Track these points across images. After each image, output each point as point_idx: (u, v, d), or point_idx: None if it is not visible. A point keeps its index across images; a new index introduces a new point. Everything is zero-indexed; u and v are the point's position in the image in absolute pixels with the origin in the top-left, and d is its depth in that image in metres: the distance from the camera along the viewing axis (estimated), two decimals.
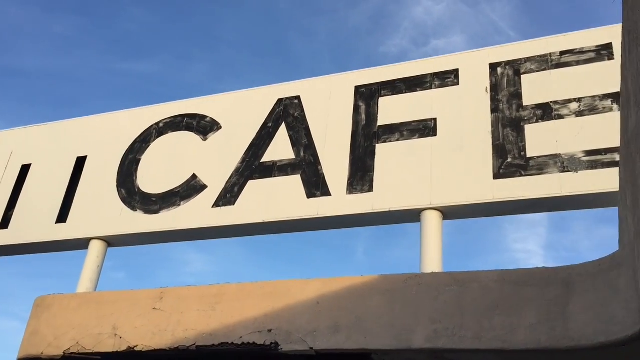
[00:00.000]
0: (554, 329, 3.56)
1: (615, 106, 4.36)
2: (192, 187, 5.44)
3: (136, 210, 5.54)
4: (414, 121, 4.94)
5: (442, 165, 4.66)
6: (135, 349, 4.43)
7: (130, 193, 5.68)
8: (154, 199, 5.53)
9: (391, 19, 18.49)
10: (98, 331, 4.61)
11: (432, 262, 4.38)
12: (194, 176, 5.49)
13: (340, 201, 4.82)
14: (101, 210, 5.68)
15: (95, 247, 5.53)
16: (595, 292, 3.51)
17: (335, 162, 5.02)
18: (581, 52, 4.67)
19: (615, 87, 4.43)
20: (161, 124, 5.96)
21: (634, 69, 2.23)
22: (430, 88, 5.04)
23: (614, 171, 4.16)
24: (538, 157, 4.41)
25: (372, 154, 4.93)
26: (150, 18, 19.99)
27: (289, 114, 5.44)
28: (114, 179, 5.83)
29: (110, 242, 5.59)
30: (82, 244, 5.64)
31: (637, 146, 2.48)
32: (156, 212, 5.44)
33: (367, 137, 5.03)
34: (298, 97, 5.49)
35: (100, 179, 5.89)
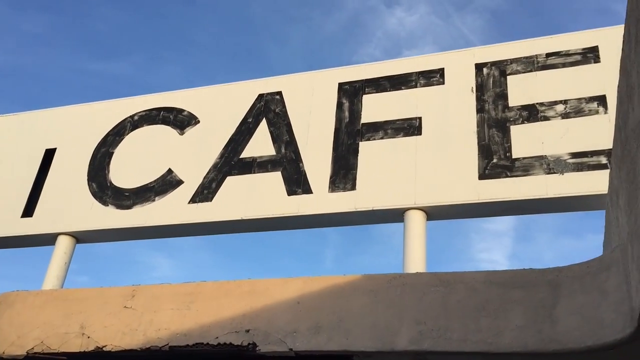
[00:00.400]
0: (541, 332, 3.48)
1: (601, 109, 4.33)
2: (167, 182, 5.25)
3: (108, 205, 5.32)
4: (398, 120, 4.85)
5: (426, 165, 4.57)
6: (104, 349, 4.22)
7: (102, 187, 5.45)
8: (127, 194, 5.32)
9: (364, 28, 18.52)
10: (64, 330, 4.38)
11: (416, 263, 4.28)
12: (170, 171, 5.30)
13: (322, 199, 4.69)
14: (70, 205, 5.45)
15: (63, 242, 5.29)
16: (583, 295, 3.45)
17: (317, 160, 4.89)
18: (567, 54, 4.64)
19: (602, 90, 4.41)
20: (136, 117, 5.76)
21: None
22: (415, 87, 4.96)
23: (600, 173, 4.13)
24: (524, 158, 4.35)
25: (356, 152, 4.82)
26: (123, 18, 19.58)
27: (270, 110, 5.30)
28: (85, 172, 5.60)
29: (79, 238, 5.36)
30: (48, 240, 5.39)
31: (639, 142, 2.41)
32: (129, 207, 5.24)
33: (350, 134, 4.92)
34: (279, 93, 5.36)
35: (70, 172, 5.65)
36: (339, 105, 5.10)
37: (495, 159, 4.41)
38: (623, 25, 4.56)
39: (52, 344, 4.34)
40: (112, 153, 5.63)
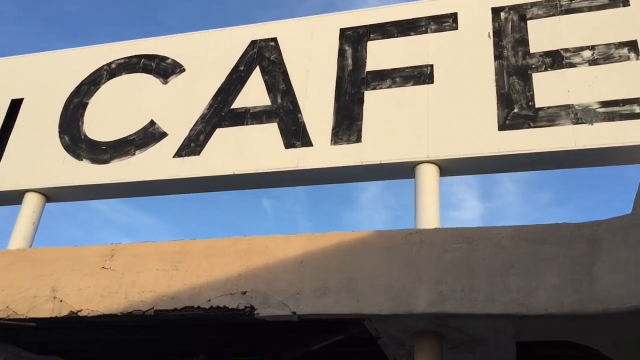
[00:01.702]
0: (579, 292, 3.11)
1: (632, 55, 3.97)
2: (149, 135, 4.73)
3: (82, 160, 4.79)
4: (407, 67, 4.42)
5: (440, 115, 4.16)
6: (79, 314, 3.73)
7: (75, 140, 4.91)
8: (103, 147, 4.79)
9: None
10: (33, 293, 3.88)
11: (429, 222, 3.87)
12: (152, 122, 4.78)
13: (323, 152, 4.25)
14: (39, 159, 4.90)
15: (31, 200, 4.75)
16: (626, 250, 3.09)
17: (317, 110, 4.44)
18: None
19: (632, 36, 4.05)
20: (114, 65, 5.21)
21: None
22: (426, 32, 4.52)
23: (634, 123, 3.77)
24: (548, 107, 3.97)
25: (360, 101, 4.37)
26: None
27: (263, 57, 4.81)
28: (56, 124, 5.05)
29: (49, 195, 4.82)
30: (15, 198, 4.84)
31: None
32: (106, 162, 4.71)
33: (354, 83, 4.47)
34: (275, 39, 4.87)
35: (39, 124, 5.10)
36: (341, 53, 4.64)
37: (516, 109, 4.01)
38: None
39: (19, 308, 3.83)
40: (87, 104, 5.08)
